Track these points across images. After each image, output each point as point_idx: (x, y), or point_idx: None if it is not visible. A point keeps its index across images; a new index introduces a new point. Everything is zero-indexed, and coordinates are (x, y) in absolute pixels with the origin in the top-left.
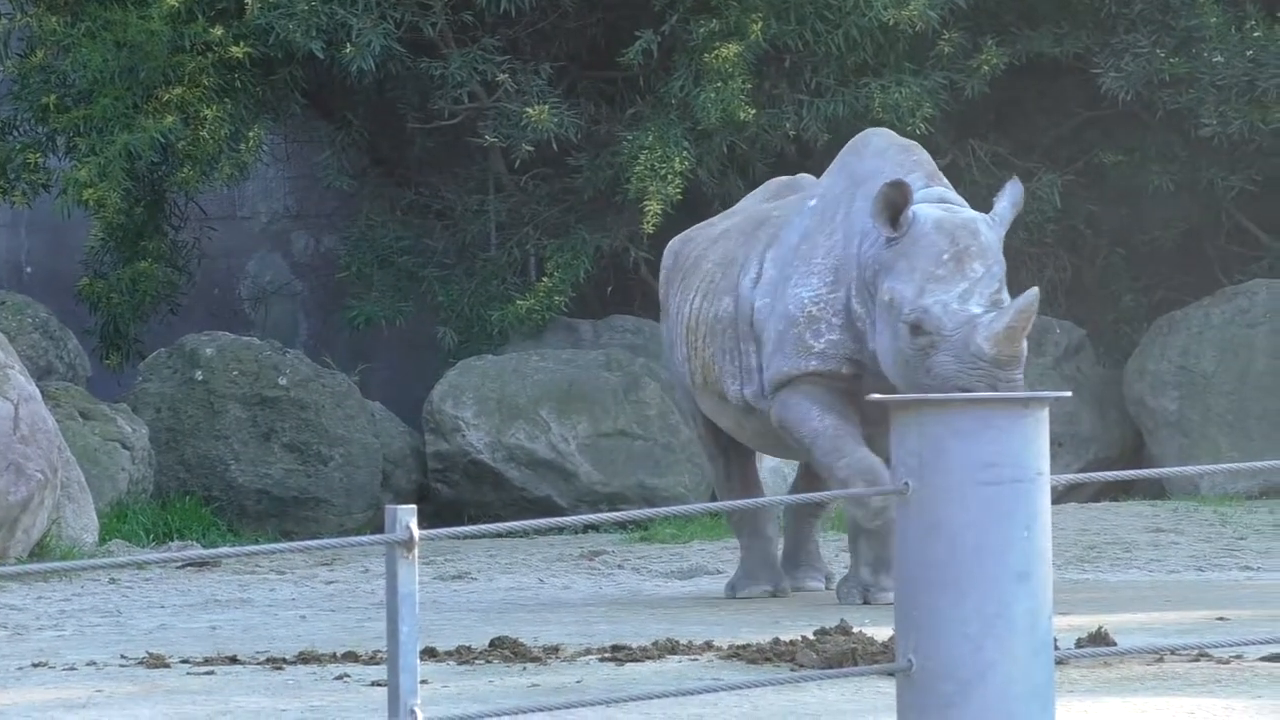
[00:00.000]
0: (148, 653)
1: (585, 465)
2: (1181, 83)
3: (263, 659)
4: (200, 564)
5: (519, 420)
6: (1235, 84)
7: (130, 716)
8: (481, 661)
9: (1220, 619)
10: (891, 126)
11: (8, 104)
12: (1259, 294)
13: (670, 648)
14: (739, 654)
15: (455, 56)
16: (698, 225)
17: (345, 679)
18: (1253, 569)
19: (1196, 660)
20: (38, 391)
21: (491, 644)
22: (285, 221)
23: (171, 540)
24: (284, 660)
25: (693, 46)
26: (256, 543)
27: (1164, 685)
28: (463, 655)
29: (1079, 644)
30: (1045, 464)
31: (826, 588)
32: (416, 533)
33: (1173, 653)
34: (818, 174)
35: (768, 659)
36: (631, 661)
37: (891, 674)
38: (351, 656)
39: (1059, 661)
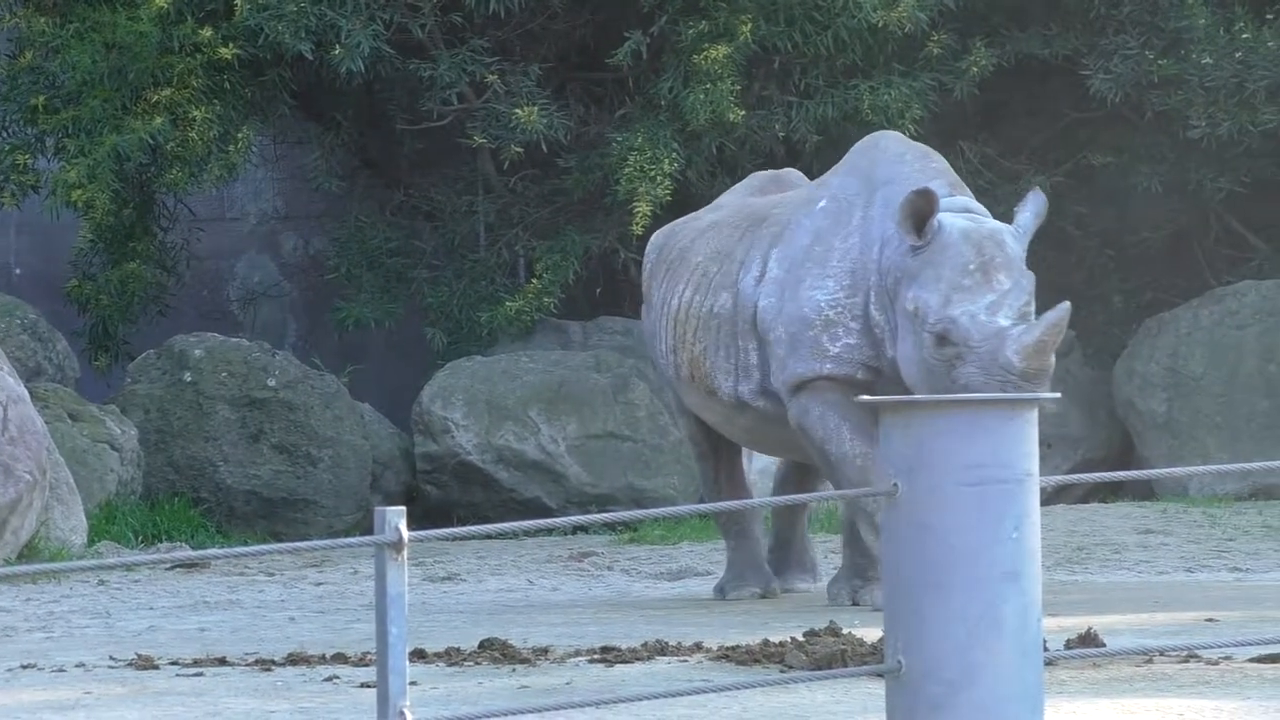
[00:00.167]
0: (136, 654)
1: (574, 467)
2: (1170, 84)
3: (252, 660)
4: (189, 565)
5: (508, 421)
6: (1224, 85)
7: (119, 718)
8: (471, 663)
9: (1209, 620)
10: (880, 128)
11: None
12: (1248, 295)
13: (659, 649)
14: (728, 655)
15: (444, 58)
16: (680, 220)
17: (334, 680)
18: (1242, 570)
19: (1185, 661)
20: (26, 393)
21: (481, 645)
22: (274, 223)
23: (160, 542)
24: (273, 662)
25: (682, 48)
26: (245, 544)
27: (1153, 686)
28: (452, 657)
29: (1068, 645)
30: (1034, 465)
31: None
32: (405, 534)
33: (1162, 654)
34: (807, 174)
35: (757, 660)
36: (621, 663)
37: (880, 675)
38: (340, 658)
39: (1048, 663)
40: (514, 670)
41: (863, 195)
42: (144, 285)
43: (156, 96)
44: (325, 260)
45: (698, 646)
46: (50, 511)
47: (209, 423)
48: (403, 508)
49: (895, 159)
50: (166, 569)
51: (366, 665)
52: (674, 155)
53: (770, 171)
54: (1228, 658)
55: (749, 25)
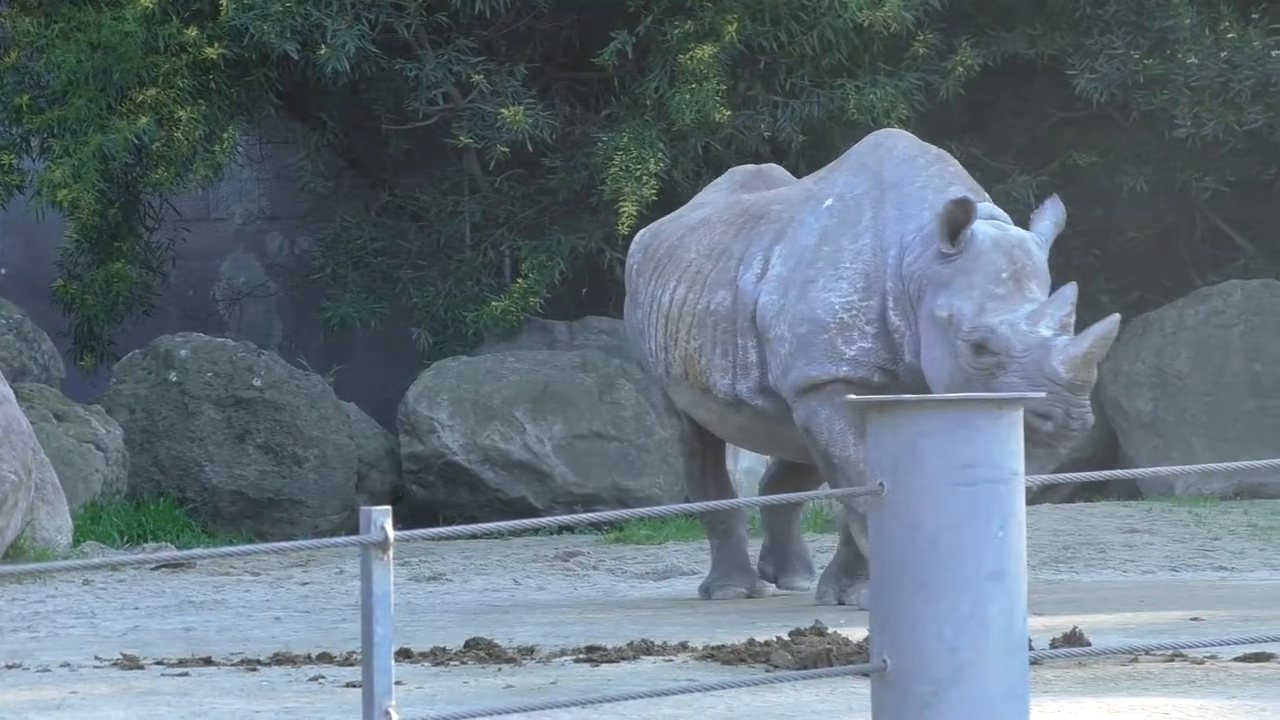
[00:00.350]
0: (122, 654)
1: (560, 466)
2: (1156, 84)
3: (237, 660)
4: (175, 565)
5: (494, 421)
6: (1209, 85)
7: (104, 718)
8: (456, 663)
9: (1195, 619)
10: (866, 128)
11: None
12: (1233, 295)
13: (645, 648)
14: (714, 655)
15: (430, 58)
16: (664, 218)
17: (320, 680)
18: (1227, 569)
19: (1171, 660)
20: (11, 393)
21: (466, 645)
22: (260, 223)
23: (146, 542)
24: (259, 662)
25: (668, 48)
26: (231, 544)
27: (1138, 685)
28: (438, 656)
29: (1054, 644)
30: (1020, 464)
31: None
32: (391, 534)
33: (1147, 653)
34: (793, 173)
35: (743, 660)
36: (606, 662)
37: (866, 675)
38: (326, 658)
39: (1034, 662)
40: (499, 670)
41: (871, 195)
42: (129, 285)
43: (142, 96)
44: (311, 260)
45: (683, 646)
46: (35, 512)
47: (194, 423)
48: (388, 508)
49: (905, 159)
50: (152, 569)
51: (352, 665)
52: (659, 155)
53: (752, 166)
54: (1213, 657)
55: (734, 25)
